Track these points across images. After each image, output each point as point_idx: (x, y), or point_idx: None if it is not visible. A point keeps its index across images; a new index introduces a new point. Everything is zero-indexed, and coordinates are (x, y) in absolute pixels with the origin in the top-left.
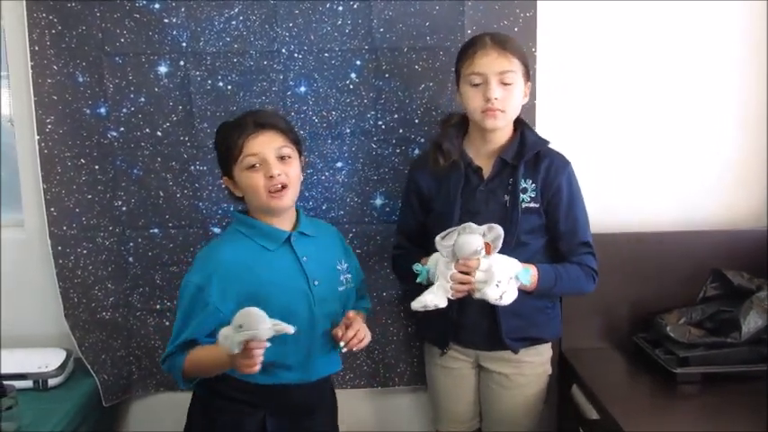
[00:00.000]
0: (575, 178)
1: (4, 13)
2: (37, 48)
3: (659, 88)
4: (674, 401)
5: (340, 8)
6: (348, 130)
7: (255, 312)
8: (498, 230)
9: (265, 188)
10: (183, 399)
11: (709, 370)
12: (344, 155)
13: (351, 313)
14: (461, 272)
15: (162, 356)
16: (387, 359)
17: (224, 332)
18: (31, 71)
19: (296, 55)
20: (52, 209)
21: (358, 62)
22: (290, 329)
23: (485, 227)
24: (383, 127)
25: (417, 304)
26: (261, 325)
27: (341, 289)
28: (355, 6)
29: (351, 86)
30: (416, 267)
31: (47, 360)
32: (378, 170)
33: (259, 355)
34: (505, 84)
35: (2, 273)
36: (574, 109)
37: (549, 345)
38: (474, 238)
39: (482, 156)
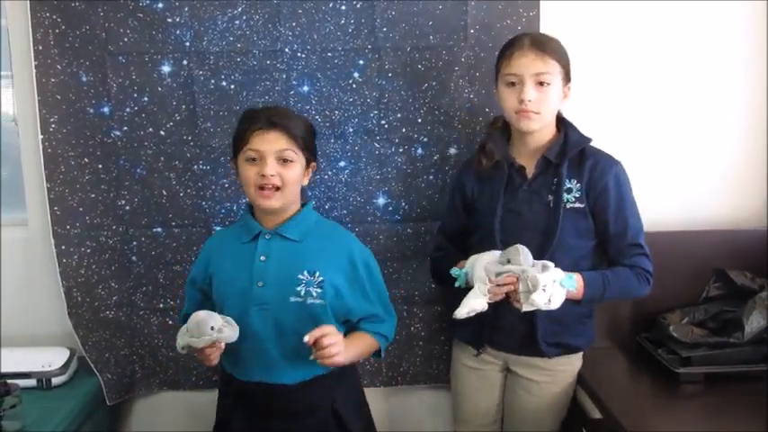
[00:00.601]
0: (624, 177)
1: (7, 12)
2: (40, 47)
3: (662, 88)
4: (677, 401)
5: (343, 7)
6: (351, 130)
7: (202, 320)
8: (551, 268)
9: (256, 184)
10: (187, 397)
11: (711, 370)
12: (347, 154)
13: (329, 327)
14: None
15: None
16: (389, 358)
17: (180, 332)
18: (34, 70)
19: (299, 54)
20: (56, 208)
21: (361, 61)
22: (230, 340)
23: (539, 265)
24: (386, 126)
25: (464, 309)
26: (201, 335)
27: (294, 299)
28: (358, 6)
29: (354, 86)
30: (454, 272)
31: (50, 359)
32: (380, 169)
33: (208, 356)
34: (541, 85)
35: (6, 272)
36: (577, 109)
37: (581, 354)
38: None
39: (526, 156)
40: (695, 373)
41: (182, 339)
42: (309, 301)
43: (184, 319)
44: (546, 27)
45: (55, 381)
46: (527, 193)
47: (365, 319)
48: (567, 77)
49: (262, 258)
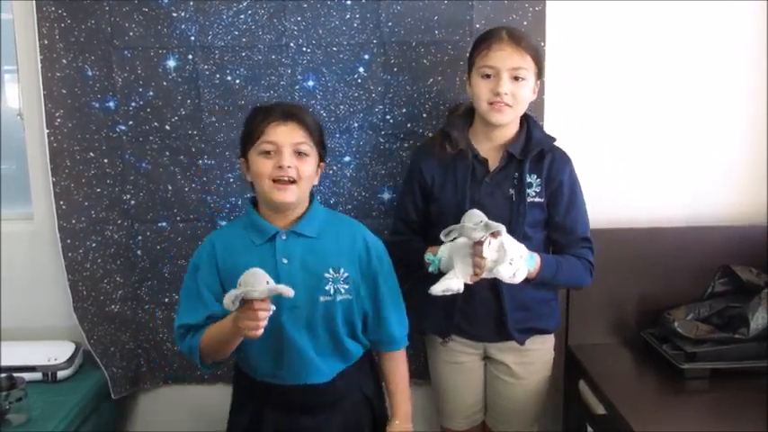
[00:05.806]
0: (575, 174)
1: (13, 6)
2: (46, 41)
3: (668, 84)
4: (682, 397)
5: (348, 2)
6: (356, 125)
7: (255, 272)
8: (494, 226)
9: (271, 177)
10: (191, 392)
11: (716, 366)
12: (352, 149)
13: None
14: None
15: (176, 337)
16: None
17: (228, 293)
18: (40, 65)
19: (304, 49)
20: (61, 202)
21: (366, 56)
22: (289, 293)
23: (482, 224)
24: (391, 121)
25: (440, 287)
26: (256, 284)
27: (323, 299)
28: (364, 0)
29: (359, 81)
30: (428, 257)
31: (56, 352)
32: (385, 164)
33: (259, 317)
34: (516, 79)
35: (11, 266)
36: (583, 104)
37: (552, 335)
38: (476, 234)
39: (487, 147)
40: (700, 368)
41: (232, 292)
42: (339, 298)
43: (185, 332)
44: (552, 22)
45: (60, 374)
46: (489, 185)
47: (384, 347)
48: (538, 74)
49: (284, 261)
